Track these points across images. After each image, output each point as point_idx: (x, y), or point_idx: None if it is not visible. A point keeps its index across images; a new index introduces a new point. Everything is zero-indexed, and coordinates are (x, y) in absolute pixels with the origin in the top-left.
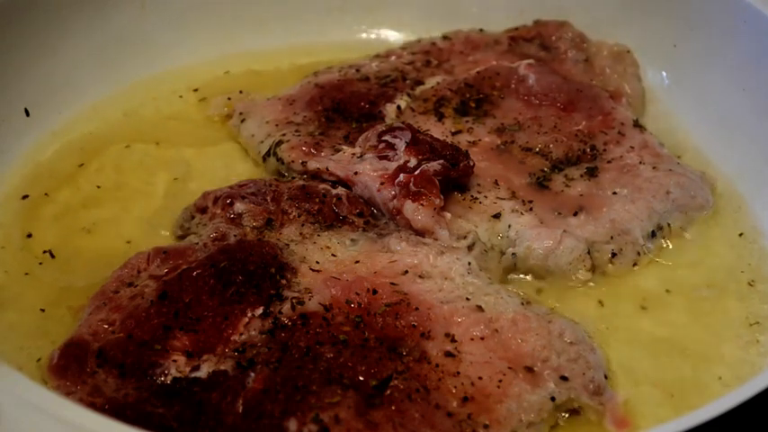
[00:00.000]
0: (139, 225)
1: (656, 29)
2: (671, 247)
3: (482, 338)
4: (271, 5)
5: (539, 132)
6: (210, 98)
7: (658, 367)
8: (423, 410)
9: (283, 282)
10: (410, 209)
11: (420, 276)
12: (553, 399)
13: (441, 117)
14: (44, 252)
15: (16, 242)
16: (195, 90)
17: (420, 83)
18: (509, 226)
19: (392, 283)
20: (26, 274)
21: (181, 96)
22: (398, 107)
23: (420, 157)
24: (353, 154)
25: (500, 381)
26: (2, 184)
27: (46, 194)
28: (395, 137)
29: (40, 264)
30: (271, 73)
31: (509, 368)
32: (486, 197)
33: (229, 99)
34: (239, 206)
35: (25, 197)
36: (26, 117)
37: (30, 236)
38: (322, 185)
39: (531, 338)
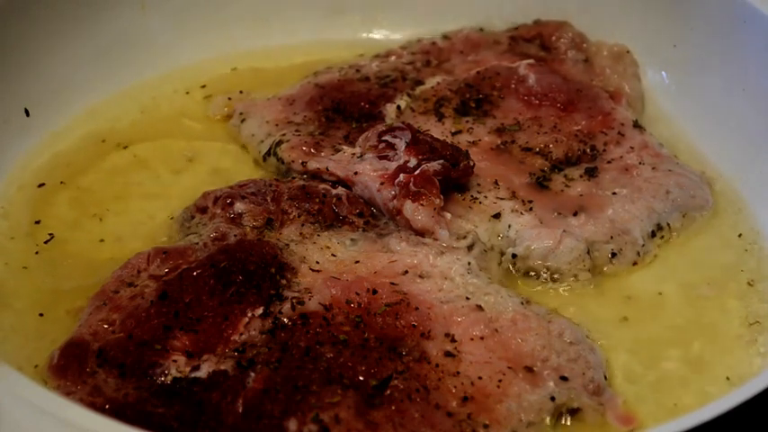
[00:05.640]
0: (139, 225)
1: (656, 29)
2: (671, 247)
3: (482, 338)
4: (271, 5)
5: (539, 132)
6: (215, 96)
7: (658, 367)
8: (423, 410)
9: (283, 282)
10: (410, 209)
11: (420, 276)
12: (553, 399)
13: (441, 117)
14: (37, 249)
15: (23, 230)
16: (203, 86)
17: (420, 83)
18: (509, 226)
19: (392, 283)
20: (24, 267)
21: (188, 92)
22: (398, 107)
23: (420, 157)
24: (353, 154)
25: (500, 380)
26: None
27: (54, 188)
28: (395, 137)
29: (36, 253)
30: (272, 72)
31: (509, 368)
32: (486, 197)
33: (230, 99)
34: (239, 206)
35: (41, 185)
36: (26, 117)
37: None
38: (322, 185)
39: (531, 338)
